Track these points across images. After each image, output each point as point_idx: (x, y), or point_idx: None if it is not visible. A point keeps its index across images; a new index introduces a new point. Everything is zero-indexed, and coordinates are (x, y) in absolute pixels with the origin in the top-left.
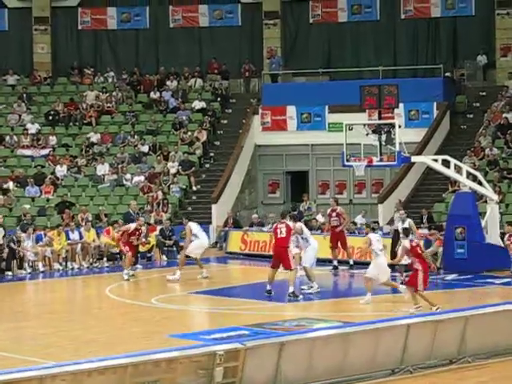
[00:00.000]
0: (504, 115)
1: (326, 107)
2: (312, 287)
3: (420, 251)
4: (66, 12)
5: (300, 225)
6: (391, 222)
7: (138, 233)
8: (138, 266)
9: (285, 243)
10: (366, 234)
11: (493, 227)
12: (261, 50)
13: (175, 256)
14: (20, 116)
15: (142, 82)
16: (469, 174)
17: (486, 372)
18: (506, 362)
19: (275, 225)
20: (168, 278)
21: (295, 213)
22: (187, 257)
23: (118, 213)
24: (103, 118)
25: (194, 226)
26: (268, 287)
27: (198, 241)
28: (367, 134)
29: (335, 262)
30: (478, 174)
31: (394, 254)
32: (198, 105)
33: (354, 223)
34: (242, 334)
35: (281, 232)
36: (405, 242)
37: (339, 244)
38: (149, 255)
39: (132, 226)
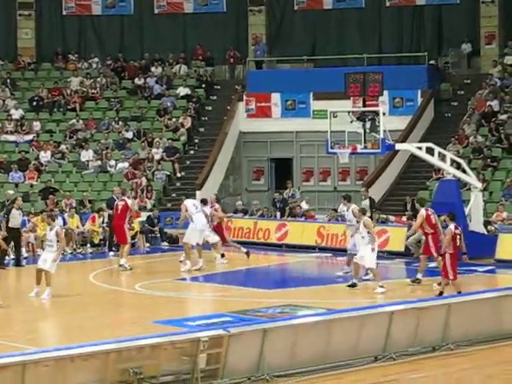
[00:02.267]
0: (488, 103)
1: (311, 94)
2: None
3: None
4: None
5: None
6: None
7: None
8: (111, 253)
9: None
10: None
11: (476, 215)
12: (246, 37)
13: (159, 243)
14: (4, 101)
15: (126, 68)
16: (453, 162)
17: (468, 359)
18: (488, 349)
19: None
20: (182, 269)
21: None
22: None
23: (102, 199)
24: (87, 104)
25: (189, 205)
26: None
27: (190, 226)
28: (351, 122)
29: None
30: (461, 161)
31: None
32: (182, 91)
33: (335, 210)
34: (226, 320)
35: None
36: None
37: None
38: (132, 241)
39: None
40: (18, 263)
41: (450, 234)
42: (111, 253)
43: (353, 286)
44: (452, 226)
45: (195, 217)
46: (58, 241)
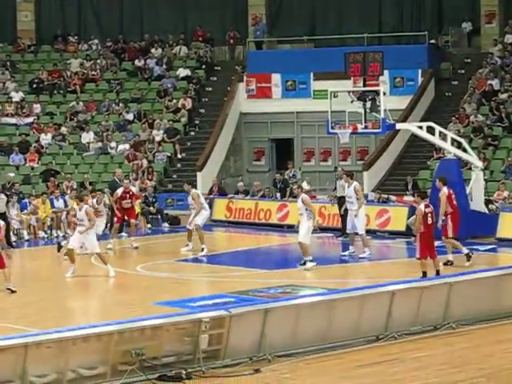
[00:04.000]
0: (489, 82)
1: (311, 74)
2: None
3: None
4: None
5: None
6: (334, 189)
7: (128, 195)
8: (123, 234)
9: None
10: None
11: (477, 194)
12: (245, 17)
13: (160, 224)
14: (4, 84)
15: (126, 50)
16: (453, 141)
17: (469, 338)
18: (489, 328)
19: None
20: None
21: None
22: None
23: (103, 181)
24: (88, 86)
25: (200, 193)
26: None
27: (206, 212)
28: (352, 102)
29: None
30: (462, 140)
31: (343, 221)
32: (182, 72)
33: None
34: (228, 301)
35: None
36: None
37: None
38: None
39: (119, 191)
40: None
41: (420, 214)
42: (124, 234)
43: (304, 264)
44: (422, 205)
45: (206, 205)
46: (89, 220)
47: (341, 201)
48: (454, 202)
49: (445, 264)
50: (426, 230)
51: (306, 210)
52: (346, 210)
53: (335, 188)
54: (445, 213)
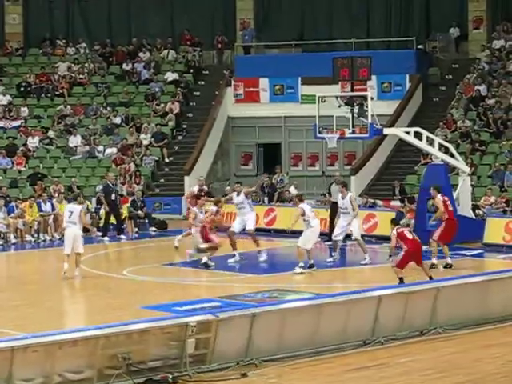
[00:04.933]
0: (476, 87)
1: (299, 79)
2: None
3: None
4: None
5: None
6: (329, 194)
7: (203, 193)
8: (123, 236)
9: None
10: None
11: (464, 199)
12: (234, 22)
13: (147, 228)
14: None
15: (114, 54)
16: (441, 146)
17: (456, 343)
18: (476, 333)
19: None
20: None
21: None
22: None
23: (91, 184)
24: (75, 90)
25: (307, 209)
26: None
27: (310, 230)
28: (340, 106)
29: None
30: (450, 146)
31: (332, 225)
32: (170, 76)
33: (324, 195)
34: (215, 305)
35: None
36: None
37: None
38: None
39: (195, 188)
40: None
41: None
42: (106, 238)
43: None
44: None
45: (314, 221)
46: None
47: (334, 206)
48: (449, 209)
49: (430, 267)
50: (411, 246)
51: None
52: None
53: (329, 192)
54: (441, 219)
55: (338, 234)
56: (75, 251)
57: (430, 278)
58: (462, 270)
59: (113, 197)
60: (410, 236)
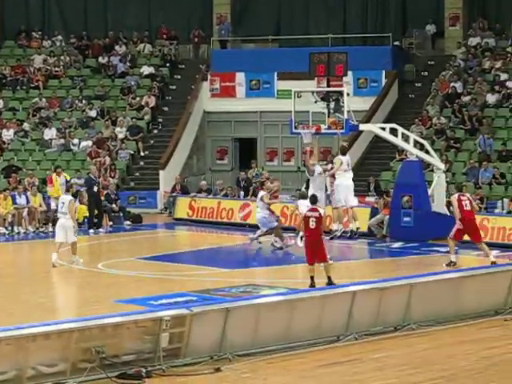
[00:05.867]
0: (452, 84)
1: (275, 74)
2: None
3: None
4: None
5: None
6: (306, 189)
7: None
8: (101, 230)
9: None
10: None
11: (439, 196)
12: (210, 16)
13: (121, 222)
14: None
15: (90, 47)
16: (416, 143)
17: (430, 339)
18: (449, 329)
19: None
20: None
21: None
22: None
23: (66, 181)
24: (51, 82)
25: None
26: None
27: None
28: (316, 102)
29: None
30: (425, 142)
31: None
32: (146, 70)
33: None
34: (189, 299)
35: None
36: None
37: None
38: (96, 220)
39: (272, 185)
40: None
41: (302, 217)
42: (91, 230)
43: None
44: (306, 208)
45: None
46: None
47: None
48: (465, 208)
49: (447, 265)
50: (309, 235)
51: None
52: None
53: (307, 187)
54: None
55: None
56: (68, 241)
57: (328, 279)
58: (435, 266)
59: (95, 189)
60: (312, 225)
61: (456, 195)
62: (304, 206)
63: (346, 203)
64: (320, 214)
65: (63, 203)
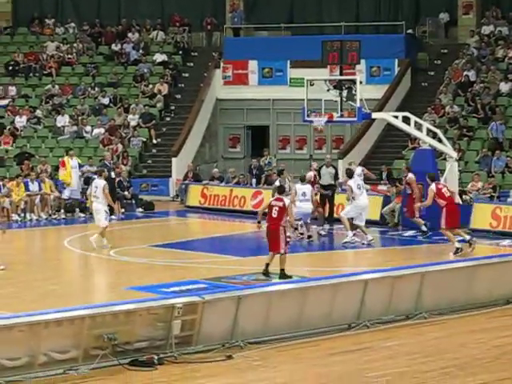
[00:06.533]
0: (465, 73)
1: (288, 62)
2: None
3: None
4: None
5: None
6: (318, 177)
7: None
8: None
9: None
10: None
11: (451, 184)
12: (223, 4)
13: (133, 209)
14: None
15: (103, 34)
16: (429, 131)
17: (441, 328)
18: (461, 318)
19: None
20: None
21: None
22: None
23: (79, 164)
24: (63, 70)
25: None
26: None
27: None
28: (328, 90)
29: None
30: (437, 131)
31: (326, 207)
32: (159, 57)
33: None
34: (201, 287)
35: None
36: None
37: None
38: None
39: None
40: None
41: (267, 205)
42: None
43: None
44: (272, 198)
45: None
46: None
47: (326, 188)
48: (447, 195)
49: (454, 253)
50: (270, 223)
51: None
52: (331, 197)
53: (319, 175)
54: (433, 206)
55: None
56: (100, 225)
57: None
58: (447, 255)
59: (112, 175)
60: (274, 214)
61: (433, 185)
62: (300, 190)
63: (355, 220)
64: (284, 205)
65: (96, 187)
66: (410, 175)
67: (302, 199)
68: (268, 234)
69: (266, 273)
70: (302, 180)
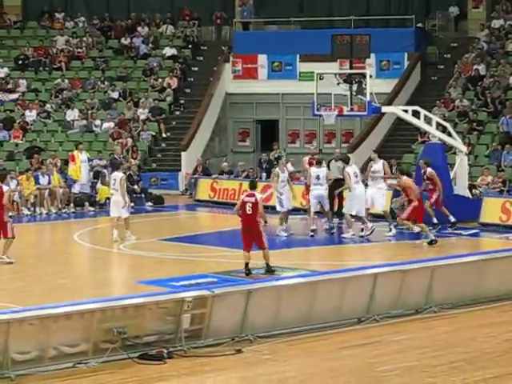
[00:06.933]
0: (475, 67)
1: (298, 56)
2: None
3: None
4: None
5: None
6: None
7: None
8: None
9: None
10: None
11: (461, 179)
12: None
13: (143, 203)
14: None
15: (112, 28)
16: (438, 125)
17: (451, 322)
18: (471, 312)
19: None
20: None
21: None
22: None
23: (88, 159)
24: (73, 64)
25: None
26: None
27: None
28: (338, 84)
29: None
30: (447, 125)
31: (337, 202)
32: (168, 51)
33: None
34: (210, 281)
35: None
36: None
37: None
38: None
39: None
40: None
41: (240, 202)
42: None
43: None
44: (245, 194)
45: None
46: None
47: (335, 183)
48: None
49: (429, 243)
50: (245, 220)
51: None
52: (340, 192)
53: (328, 169)
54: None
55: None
56: (122, 216)
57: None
58: (457, 249)
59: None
60: (248, 210)
61: (405, 178)
62: (315, 173)
63: (358, 213)
64: (256, 200)
65: (115, 180)
66: (430, 170)
67: (315, 182)
68: (247, 231)
69: (249, 272)
70: (318, 163)
